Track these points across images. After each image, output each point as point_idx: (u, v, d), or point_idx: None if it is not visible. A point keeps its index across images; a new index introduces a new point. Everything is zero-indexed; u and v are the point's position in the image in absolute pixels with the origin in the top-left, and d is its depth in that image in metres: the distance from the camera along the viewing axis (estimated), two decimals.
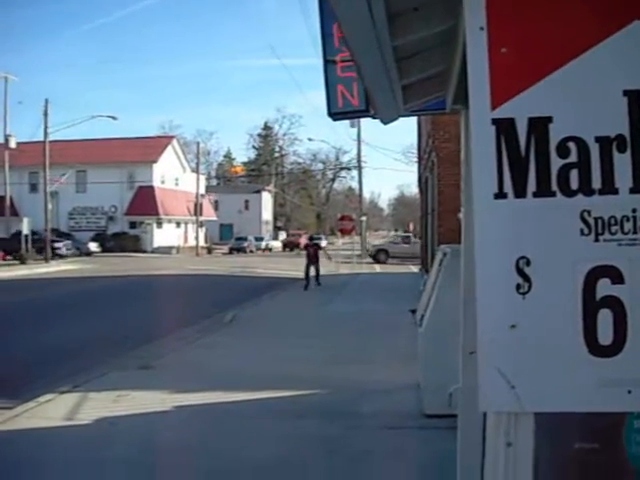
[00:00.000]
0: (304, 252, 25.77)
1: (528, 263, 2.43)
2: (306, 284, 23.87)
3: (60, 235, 56.31)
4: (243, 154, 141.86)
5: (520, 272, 2.44)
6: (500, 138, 2.43)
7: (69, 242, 53.52)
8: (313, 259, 24.53)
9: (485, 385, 2.50)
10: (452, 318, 4.05)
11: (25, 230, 44.78)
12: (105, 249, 57.26)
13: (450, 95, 4.09)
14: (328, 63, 6.74)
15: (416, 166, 38.30)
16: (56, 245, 49.50)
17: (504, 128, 2.43)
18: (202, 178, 72.56)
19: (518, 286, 2.45)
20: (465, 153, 4.05)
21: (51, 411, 7.58)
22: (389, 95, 4.21)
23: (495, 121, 2.43)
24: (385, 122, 5.29)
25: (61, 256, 48.35)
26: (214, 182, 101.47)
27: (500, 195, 2.42)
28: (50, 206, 47.15)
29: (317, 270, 24.59)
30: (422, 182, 30.41)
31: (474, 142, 2.47)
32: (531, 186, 2.42)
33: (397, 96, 4.30)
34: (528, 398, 2.50)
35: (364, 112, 6.57)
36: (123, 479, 5.52)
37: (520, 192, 2.43)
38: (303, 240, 74.40)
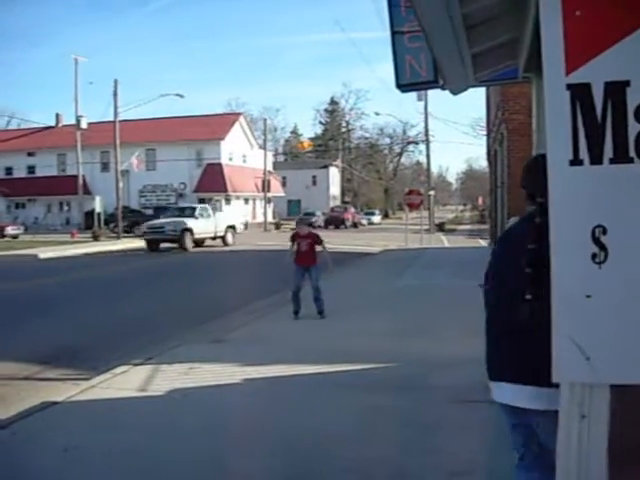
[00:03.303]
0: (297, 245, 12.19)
1: (604, 232, 2.37)
2: (295, 308, 12.00)
3: (131, 212, 57.45)
4: (310, 130, 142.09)
5: (596, 241, 2.38)
6: (575, 104, 2.36)
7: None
8: (307, 260, 12.01)
9: (559, 356, 2.46)
10: None
11: (98, 208, 45.84)
12: None
13: (521, 63, 4.01)
14: (396, 34, 6.66)
15: (485, 139, 37.70)
16: None
17: (579, 93, 2.37)
18: (269, 154, 72.84)
19: (594, 255, 2.39)
20: (537, 122, 3.98)
21: (125, 382, 7.78)
22: (459, 65, 4.14)
23: (570, 86, 2.37)
24: (455, 93, 5.23)
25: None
26: (281, 158, 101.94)
27: (576, 162, 2.36)
28: (121, 184, 48.03)
29: (314, 282, 12.00)
30: (491, 155, 29.96)
31: (548, 109, 2.41)
32: (608, 152, 2.36)
33: (467, 65, 4.24)
34: (603, 369, 2.45)
35: (433, 83, 6.48)
36: (194, 447, 5.62)
37: (596, 158, 2.36)
38: (349, 215, 71.16)
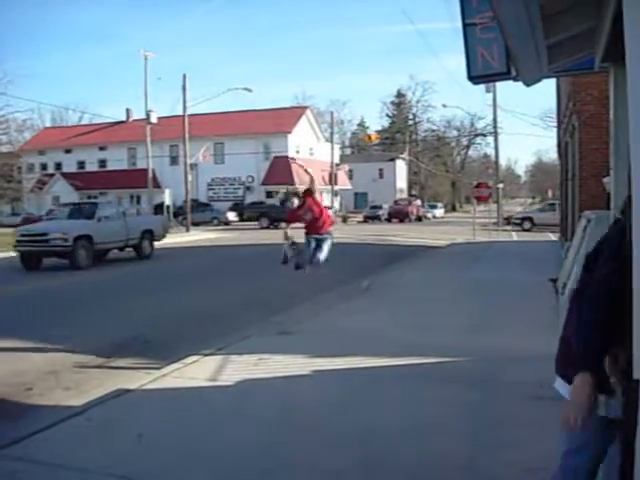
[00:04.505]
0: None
1: None
2: (300, 260, 11.37)
3: (200, 205, 58.37)
4: (377, 122, 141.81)
5: None
6: None
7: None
8: (316, 228, 11.33)
9: None
10: None
11: (167, 201, 46.56)
12: (243, 218, 58.61)
13: (599, 53, 3.92)
14: (467, 26, 6.58)
15: (554, 131, 36.94)
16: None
17: None
18: (336, 147, 72.91)
19: None
20: (614, 113, 3.88)
21: (196, 372, 7.91)
22: (533, 56, 4.08)
23: None
24: (528, 84, 5.15)
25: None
26: (348, 151, 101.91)
27: None
28: (190, 177, 48.68)
29: (323, 253, 11.30)
30: (561, 147, 29.38)
31: (632, 99, 2.35)
32: None
33: (541, 56, 4.17)
34: None
35: (505, 74, 6.37)
36: (263, 437, 5.69)
37: None
38: (413, 208, 69.96)
